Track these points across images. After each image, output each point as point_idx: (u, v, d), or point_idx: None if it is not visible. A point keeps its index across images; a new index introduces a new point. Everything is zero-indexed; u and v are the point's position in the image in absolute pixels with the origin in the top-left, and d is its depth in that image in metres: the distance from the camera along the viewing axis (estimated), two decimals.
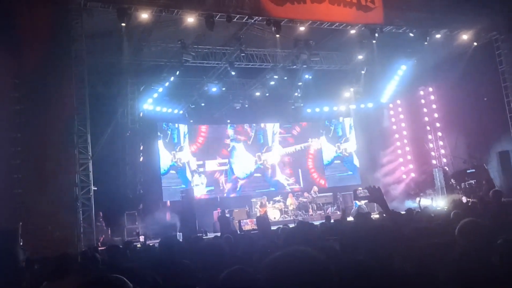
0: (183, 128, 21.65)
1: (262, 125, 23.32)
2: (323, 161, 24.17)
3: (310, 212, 20.56)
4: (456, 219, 5.50)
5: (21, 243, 11.27)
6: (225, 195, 21.75)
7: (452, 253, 2.42)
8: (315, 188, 22.20)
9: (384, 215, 4.61)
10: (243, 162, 22.70)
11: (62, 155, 12.22)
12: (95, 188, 13.20)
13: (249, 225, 16.30)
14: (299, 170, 23.48)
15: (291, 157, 23.55)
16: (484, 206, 7.15)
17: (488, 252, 2.39)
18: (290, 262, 1.58)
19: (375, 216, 11.24)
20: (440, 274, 2.20)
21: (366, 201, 16.31)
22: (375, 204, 13.84)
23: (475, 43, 17.92)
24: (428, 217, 7.33)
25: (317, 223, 9.73)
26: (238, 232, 9.85)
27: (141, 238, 15.26)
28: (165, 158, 20.54)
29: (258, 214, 19.54)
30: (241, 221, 17.26)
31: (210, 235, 14.95)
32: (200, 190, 21.04)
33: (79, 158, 12.80)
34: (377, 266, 2.71)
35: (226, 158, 22.42)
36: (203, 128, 22.41)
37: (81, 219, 12.47)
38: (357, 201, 18.44)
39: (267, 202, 20.24)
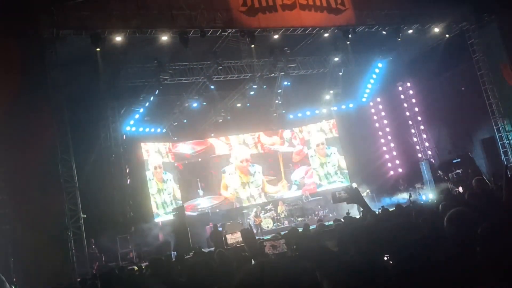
0: (163, 148, 21.44)
1: (242, 139, 23.17)
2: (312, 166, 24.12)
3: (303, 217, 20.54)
4: (444, 210, 5.56)
5: (14, 279, 11.10)
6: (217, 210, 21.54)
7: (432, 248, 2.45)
8: (307, 193, 22.23)
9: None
10: (231, 183, 22.49)
11: (48, 185, 12.02)
12: (85, 216, 13.03)
13: (234, 239, 15.94)
14: (287, 179, 23.46)
15: (278, 166, 23.49)
16: (470, 195, 7.22)
17: (472, 242, 2.43)
18: (257, 277, 1.61)
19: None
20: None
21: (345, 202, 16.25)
22: None
23: (447, 35, 18.19)
24: (417, 211, 7.36)
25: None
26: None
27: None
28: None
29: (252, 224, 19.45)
30: (226, 236, 16.91)
31: (205, 251, 14.78)
32: None
33: (66, 186, 12.63)
34: (365, 264, 2.75)
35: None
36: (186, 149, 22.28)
37: (73, 248, 12.30)
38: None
39: (261, 212, 20.15)
